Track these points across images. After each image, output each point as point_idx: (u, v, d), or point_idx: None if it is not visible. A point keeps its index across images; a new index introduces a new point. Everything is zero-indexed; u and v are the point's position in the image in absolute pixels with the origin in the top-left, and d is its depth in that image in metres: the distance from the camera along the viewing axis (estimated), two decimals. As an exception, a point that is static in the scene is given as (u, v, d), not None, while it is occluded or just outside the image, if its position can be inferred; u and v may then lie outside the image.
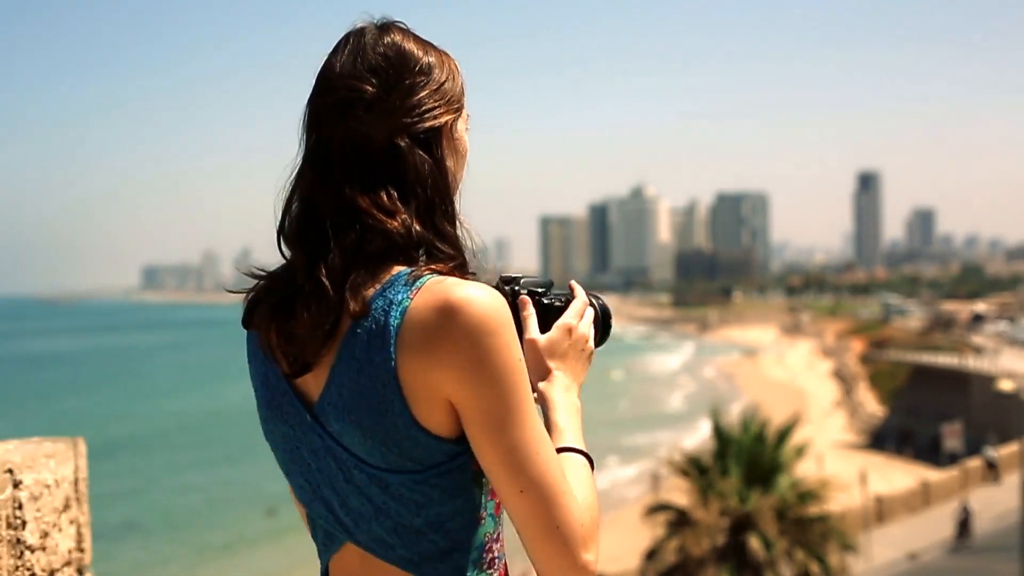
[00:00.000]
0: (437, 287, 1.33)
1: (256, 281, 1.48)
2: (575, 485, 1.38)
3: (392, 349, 1.32)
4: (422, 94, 1.43)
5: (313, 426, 1.40)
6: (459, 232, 1.45)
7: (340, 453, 1.38)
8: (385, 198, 1.38)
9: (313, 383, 1.40)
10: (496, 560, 1.44)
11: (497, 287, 1.46)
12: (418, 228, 1.39)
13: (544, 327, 1.55)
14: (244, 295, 1.49)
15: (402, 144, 1.40)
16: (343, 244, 1.37)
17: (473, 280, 1.38)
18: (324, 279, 1.36)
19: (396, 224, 1.37)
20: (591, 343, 1.59)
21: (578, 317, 1.57)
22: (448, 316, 1.31)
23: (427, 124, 1.42)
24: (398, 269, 1.37)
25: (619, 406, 67.27)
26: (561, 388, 1.52)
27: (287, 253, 1.45)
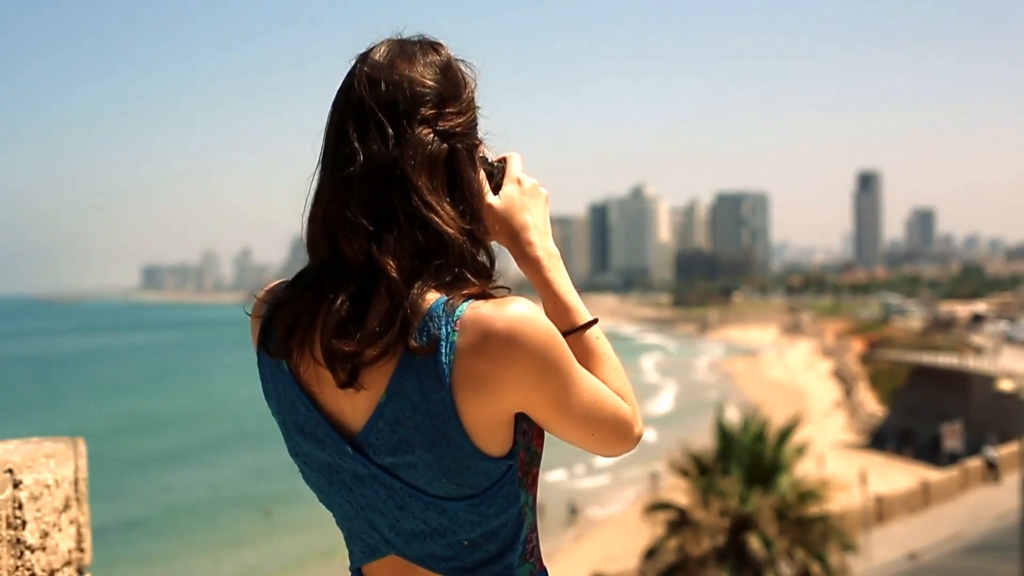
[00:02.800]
0: (478, 318, 1.31)
1: (266, 300, 1.45)
2: (607, 373, 1.47)
3: (448, 388, 1.31)
4: (474, 112, 1.47)
5: (356, 457, 1.38)
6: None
7: (392, 483, 1.37)
8: (447, 200, 1.39)
9: (351, 413, 1.38)
10: (535, 548, 1.48)
11: None
12: (467, 237, 1.39)
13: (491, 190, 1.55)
14: (255, 315, 1.46)
15: (461, 149, 1.43)
16: (413, 243, 1.35)
17: (499, 294, 1.38)
18: (396, 275, 1.33)
19: (457, 228, 1.38)
20: (543, 188, 1.59)
21: (520, 170, 1.58)
22: (502, 345, 1.30)
23: (471, 141, 1.46)
24: (434, 297, 1.34)
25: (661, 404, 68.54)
26: (541, 244, 1.54)
27: (328, 248, 1.38)
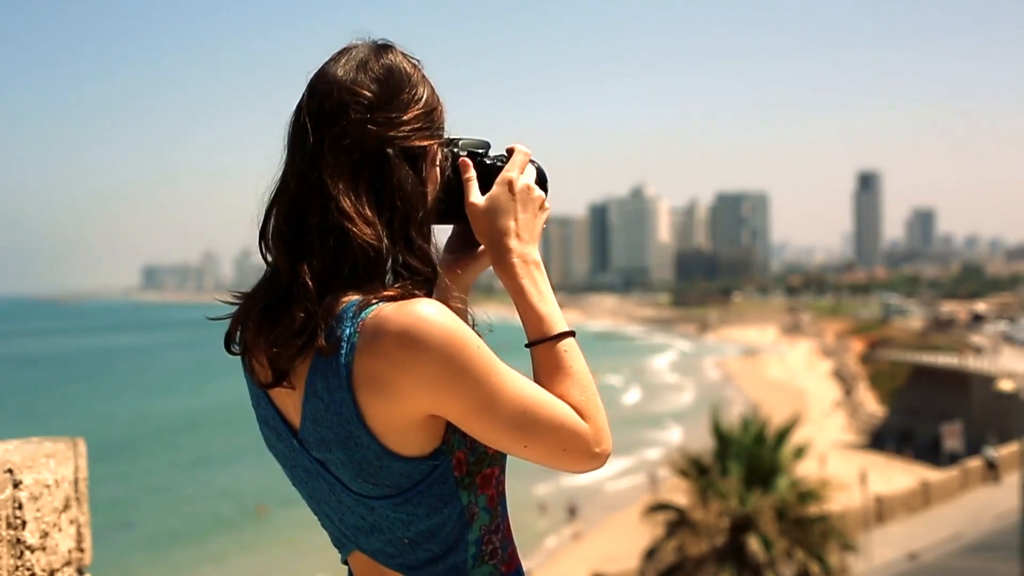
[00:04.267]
0: (378, 320, 1.33)
1: (235, 304, 1.48)
2: (567, 387, 1.42)
3: (348, 389, 1.33)
4: (416, 112, 1.45)
5: (301, 450, 1.42)
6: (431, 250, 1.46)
7: (328, 477, 1.41)
8: (366, 204, 1.39)
9: (291, 409, 1.42)
10: (499, 550, 1.46)
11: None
12: (388, 241, 1.39)
13: (487, 189, 1.52)
14: (229, 318, 1.49)
15: (391, 153, 1.42)
16: (325, 248, 1.37)
17: (419, 297, 1.37)
18: (308, 280, 1.36)
19: (371, 235, 1.38)
20: (537, 191, 1.54)
21: (519, 170, 1.54)
22: (398, 344, 1.31)
23: (415, 143, 1.44)
24: (349, 298, 1.36)
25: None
26: (518, 251, 1.50)
27: (269, 255, 1.44)
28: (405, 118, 1.44)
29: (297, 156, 1.42)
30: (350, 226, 1.37)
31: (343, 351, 1.33)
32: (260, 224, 1.46)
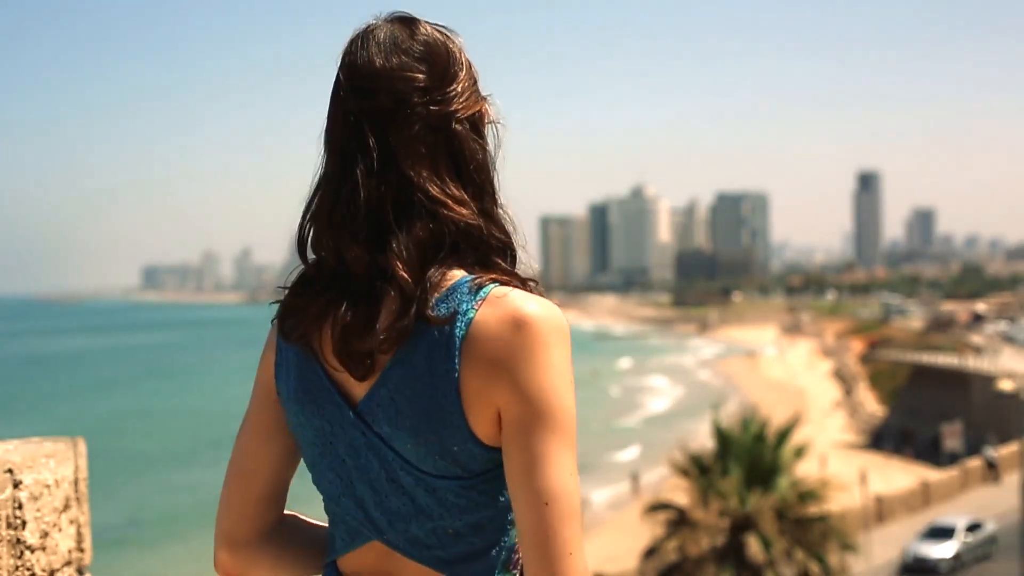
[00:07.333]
0: (503, 300, 1.31)
1: (286, 290, 1.44)
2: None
3: (456, 361, 1.29)
4: (465, 82, 1.43)
5: (356, 424, 1.37)
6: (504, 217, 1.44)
7: (386, 453, 1.35)
8: (453, 186, 1.38)
9: (353, 381, 1.37)
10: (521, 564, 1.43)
11: None
12: (479, 216, 1.39)
13: None
14: (279, 303, 1.45)
15: (460, 129, 1.40)
16: (416, 236, 1.34)
17: (532, 291, 1.36)
18: (404, 273, 1.32)
19: (468, 214, 1.37)
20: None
21: None
22: (517, 329, 1.29)
23: (472, 110, 1.42)
24: (459, 275, 1.34)
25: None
26: None
27: (326, 248, 1.39)
28: (459, 89, 1.41)
29: (363, 159, 1.36)
30: (445, 212, 1.35)
31: (458, 324, 1.30)
32: (305, 226, 1.41)
